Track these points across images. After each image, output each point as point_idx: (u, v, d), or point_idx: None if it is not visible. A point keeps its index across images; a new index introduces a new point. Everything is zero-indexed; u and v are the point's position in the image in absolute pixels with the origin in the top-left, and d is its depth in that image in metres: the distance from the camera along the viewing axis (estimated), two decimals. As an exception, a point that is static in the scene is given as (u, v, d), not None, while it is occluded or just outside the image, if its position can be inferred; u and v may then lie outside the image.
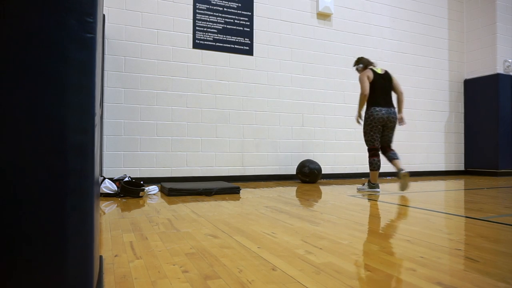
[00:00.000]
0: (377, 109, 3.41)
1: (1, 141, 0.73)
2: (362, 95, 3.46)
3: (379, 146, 3.47)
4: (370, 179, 3.48)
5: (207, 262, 1.22)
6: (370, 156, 3.46)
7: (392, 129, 3.49)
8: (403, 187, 3.33)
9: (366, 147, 3.51)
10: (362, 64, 3.62)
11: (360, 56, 3.66)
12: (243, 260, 1.24)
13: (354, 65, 3.71)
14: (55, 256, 0.75)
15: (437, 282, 1.04)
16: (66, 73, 0.77)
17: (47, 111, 0.75)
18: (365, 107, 3.58)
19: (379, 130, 3.43)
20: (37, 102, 0.75)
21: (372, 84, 3.45)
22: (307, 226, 1.82)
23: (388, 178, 5.17)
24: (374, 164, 3.42)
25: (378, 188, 3.47)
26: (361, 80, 3.48)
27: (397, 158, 3.42)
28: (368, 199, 2.84)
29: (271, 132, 4.57)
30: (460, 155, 5.97)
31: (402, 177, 3.29)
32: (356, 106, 3.52)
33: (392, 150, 3.50)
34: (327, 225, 1.85)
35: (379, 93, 3.45)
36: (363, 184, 3.66)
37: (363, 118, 3.97)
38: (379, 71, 3.52)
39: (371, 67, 3.57)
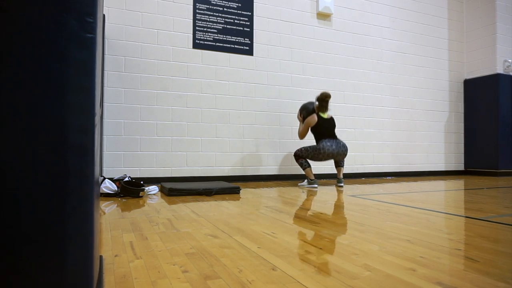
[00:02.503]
0: (328, 144, 3.76)
1: (1, 141, 0.73)
2: (299, 135, 3.98)
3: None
4: (308, 177, 3.84)
5: (207, 262, 1.22)
6: (298, 159, 3.88)
7: (343, 157, 3.89)
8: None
9: (295, 152, 3.92)
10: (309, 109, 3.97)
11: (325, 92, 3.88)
12: (243, 260, 1.24)
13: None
14: (55, 256, 0.75)
15: (437, 282, 1.04)
16: (66, 73, 0.77)
17: (47, 111, 0.75)
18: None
19: (320, 160, 3.84)
20: (37, 102, 0.75)
21: (316, 125, 3.84)
22: (307, 226, 1.82)
23: (388, 178, 5.17)
24: (304, 163, 3.83)
25: (316, 184, 3.83)
26: (305, 122, 3.89)
27: (341, 166, 3.92)
28: (368, 199, 2.84)
29: (271, 132, 4.57)
30: (460, 155, 5.98)
31: (338, 187, 3.81)
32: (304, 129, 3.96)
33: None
34: (327, 225, 1.85)
35: (324, 129, 3.84)
36: (303, 181, 4.09)
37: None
38: (325, 116, 3.89)
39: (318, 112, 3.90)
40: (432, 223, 1.89)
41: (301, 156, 3.87)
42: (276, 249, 1.38)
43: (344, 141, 4.03)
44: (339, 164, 3.93)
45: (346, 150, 3.84)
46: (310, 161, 4.24)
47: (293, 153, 4.68)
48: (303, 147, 3.89)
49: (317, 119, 3.83)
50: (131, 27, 3.94)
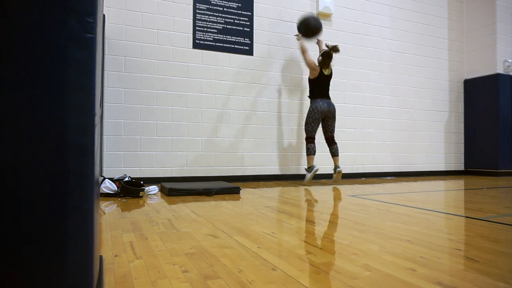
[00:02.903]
0: (320, 103, 4.02)
1: (1, 141, 0.73)
2: (307, 60, 4.12)
3: (315, 135, 4.10)
4: (307, 164, 4.04)
5: (207, 262, 1.22)
6: (308, 143, 4.06)
7: (332, 119, 4.12)
8: (335, 180, 4.26)
9: (305, 135, 4.16)
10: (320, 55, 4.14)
11: (334, 46, 4.08)
12: (243, 260, 1.24)
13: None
14: (55, 256, 0.75)
15: (437, 282, 1.04)
16: (66, 73, 0.77)
17: (47, 111, 0.75)
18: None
19: (319, 122, 4.06)
20: (37, 102, 0.75)
21: (316, 79, 4.07)
22: (307, 226, 1.82)
23: (388, 178, 5.17)
24: (311, 149, 4.02)
25: (315, 167, 3.99)
26: (309, 65, 4.11)
27: (337, 155, 4.11)
28: (368, 199, 2.84)
29: (271, 132, 4.57)
30: (460, 155, 5.97)
31: (336, 173, 4.04)
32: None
33: (335, 144, 4.14)
34: (327, 225, 1.85)
35: (321, 87, 4.08)
36: (304, 178, 4.13)
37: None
38: (326, 72, 4.10)
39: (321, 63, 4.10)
40: (432, 223, 1.90)
41: (309, 133, 4.06)
42: (276, 249, 1.38)
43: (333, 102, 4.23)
44: (334, 153, 4.08)
45: (335, 109, 4.11)
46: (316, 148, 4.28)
47: (293, 153, 4.68)
48: (306, 125, 4.10)
49: (318, 74, 4.06)
50: (131, 27, 3.94)
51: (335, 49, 4.01)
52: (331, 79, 4.16)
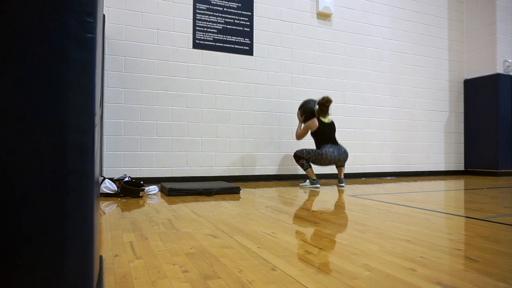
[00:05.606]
0: (330, 150, 3.74)
1: (1, 141, 0.73)
2: (297, 136, 3.95)
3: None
4: (310, 177, 3.80)
5: (207, 262, 1.22)
6: (297, 161, 3.83)
7: (343, 163, 3.89)
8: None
9: (295, 153, 3.87)
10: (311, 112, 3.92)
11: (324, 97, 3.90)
12: (243, 260, 1.24)
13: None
14: (55, 256, 0.75)
15: (437, 282, 1.04)
16: (66, 73, 0.77)
17: (47, 111, 0.75)
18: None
19: (324, 165, 3.83)
20: (37, 102, 0.75)
21: (317, 129, 3.82)
22: (307, 226, 1.82)
23: (388, 178, 5.17)
24: (305, 164, 3.78)
25: (318, 184, 3.79)
26: (305, 126, 3.87)
27: (343, 166, 3.92)
28: (368, 199, 2.84)
29: (271, 132, 4.57)
30: (460, 155, 5.97)
31: (338, 187, 3.81)
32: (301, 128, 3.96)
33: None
34: (327, 225, 1.85)
35: (326, 134, 3.84)
36: (305, 181, 3.99)
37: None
38: (326, 120, 3.89)
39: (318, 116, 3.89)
40: (432, 223, 1.90)
41: (302, 157, 3.81)
42: (276, 249, 1.38)
43: (344, 146, 4.02)
44: (339, 164, 3.91)
45: (347, 156, 3.85)
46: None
47: (293, 154, 4.68)
48: (304, 149, 3.84)
49: (318, 124, 3.81)
50: (131, 27, 3.94)
51: (328, 100, 3.81)
52: (335, 130, 3.91)
